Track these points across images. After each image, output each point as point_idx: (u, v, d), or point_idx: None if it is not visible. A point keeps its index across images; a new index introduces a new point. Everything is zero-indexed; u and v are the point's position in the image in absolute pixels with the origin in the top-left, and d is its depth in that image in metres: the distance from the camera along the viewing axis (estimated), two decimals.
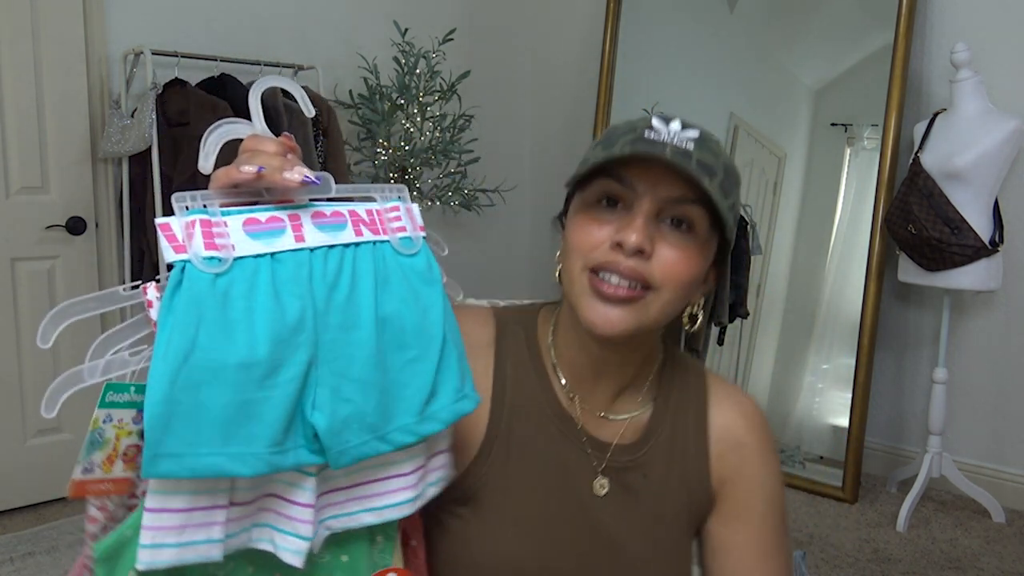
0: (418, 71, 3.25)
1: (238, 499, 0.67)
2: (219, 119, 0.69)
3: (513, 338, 0.91)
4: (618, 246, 0.76)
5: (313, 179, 0.66)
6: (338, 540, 0.72)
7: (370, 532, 0.74)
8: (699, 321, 0.85)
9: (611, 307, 0.77)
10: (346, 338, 0.68)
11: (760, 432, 0.91)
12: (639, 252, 0.75)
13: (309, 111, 0.71)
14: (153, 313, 0.66)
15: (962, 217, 2.53)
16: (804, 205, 3.23)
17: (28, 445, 2.74)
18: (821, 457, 3.10)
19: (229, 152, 0.68)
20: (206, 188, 0.68)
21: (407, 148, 3.27)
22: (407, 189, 0.75)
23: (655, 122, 0.78)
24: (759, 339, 3.31)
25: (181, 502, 0.64)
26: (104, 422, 0.72)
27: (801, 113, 3.25)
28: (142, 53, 2.71)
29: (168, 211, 0.67)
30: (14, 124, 2.63)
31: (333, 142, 3.07)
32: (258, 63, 2.97)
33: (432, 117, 3.32)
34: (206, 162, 0.66)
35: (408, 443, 0.71)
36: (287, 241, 0.67)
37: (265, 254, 0.66)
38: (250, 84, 0.76)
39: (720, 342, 3.28)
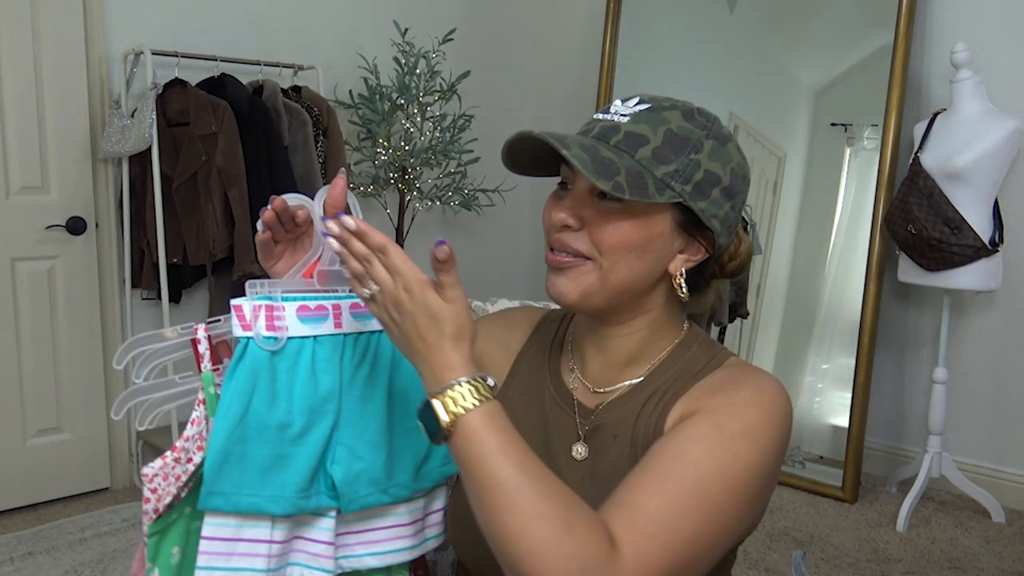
0: (418, 71, 3.24)
1: (277, 538, 0.81)
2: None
3: (551, 324, 1.02)
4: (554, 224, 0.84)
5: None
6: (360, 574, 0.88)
7: (387, 571, 0.90)
8: (684, 290, 0.87)
9: (557, 276, 0.85)
10: (364, 408, 0.85)
11: (750, 388, 0.83)
12: (566, 227, 0.83)
13: (357, 214, 0.86)
14: (201, 348, 0.86)
15: (962, 217, 2.53)
16: (804, 205, 3.23)
17: (28, 445, 2.74)
18: (821, 457, 3.10)
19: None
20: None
21: (407, 148, 3.27)
22: None
23: (615, 102, 0.87)
24: (759, 339, 3.31)
25: (228, 532, 0.80)
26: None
27: (801, 113, 3.25)
28: (142, 53, 2.71)
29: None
30: (14, 124, 2.63)
31: (333, 142, 3.07)
32: (258, 63, 2.97)
33: (432, 117, 3.32)
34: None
35: (404, 496, 0.87)
36: (328, 327, 0.85)
37: (310, 336, 0.83)
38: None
39: (720, 342, 3.28)
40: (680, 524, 0.73)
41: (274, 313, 0.81)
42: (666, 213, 0.84)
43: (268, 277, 0.87)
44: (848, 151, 3.12)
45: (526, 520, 0.69)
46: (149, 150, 2.64)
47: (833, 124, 3.16)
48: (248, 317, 0.81)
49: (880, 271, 2.90)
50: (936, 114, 2.71)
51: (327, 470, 0.83)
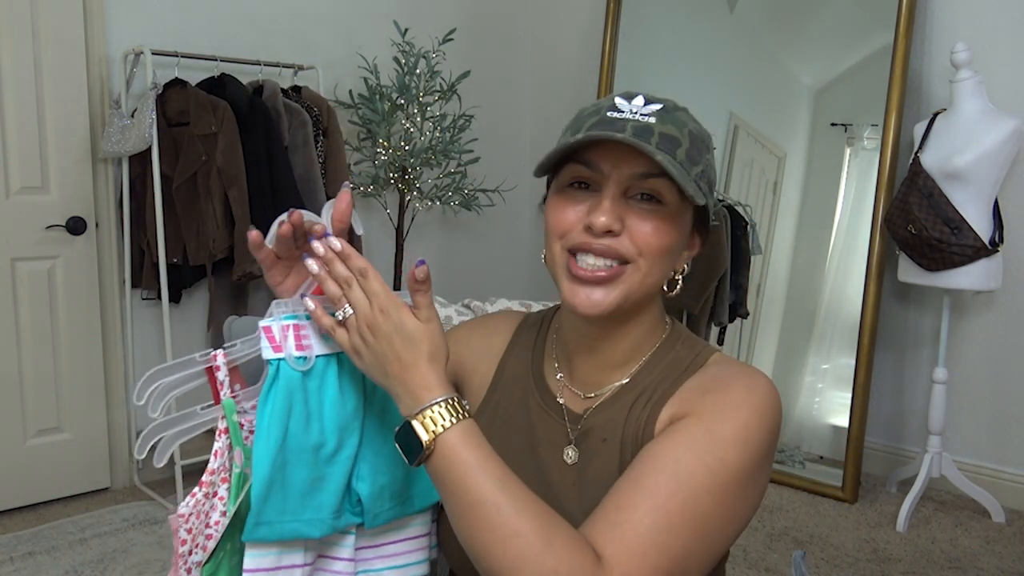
0: (418, 71, 3.24)
1: (308, 560, 0.82)
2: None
3: (530, 328, 1.00)
4: (589, 228, 0.80)
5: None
6: None
7: None
8: (678, 286, 0.87)
9: (591, 288, 0.82)
10: (382, 421, 0.84)
11: (740, 388, 0.81)
12: (608, 232, 0.80)
13: (359, 229, 0.88)
14: (220, 375, 0.83)
15: (962, 217, 2.53)
16: (804, 205, 3.23)
17: (28, 445, 2.74)
18: (821, 457, 3.10)
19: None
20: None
21: (407, 148, 3.27)
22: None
23: (618, 100, 0.83)
24: (759, 339, 3.31)
25: (269, 562, 0.80)
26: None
27: (801, 113, 3.25)
28: (142, 53, 2.71)
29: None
30: (14, 124, 2.63)
31: (333, 142, 3.07)
32: (258, 63, 2.97)
33: (432, 117, 3.32)
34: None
35: (424, 507, 0.87)
36: None
37: (333, 354, 0.82)
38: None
39: (720, 342, 3.28)
40: (670, 542, 0.72)
41: (301, 332, 0.80)
42: (689, 213, 0.84)
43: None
44: (848, 151, 3.12)
45: (505, 536, 0.69)
46: (149, 150, 2.64)
47: (833, 124, 3.16)
48: (278, 338, 0.79)
49: (880, 271, 2.90)
50: (936, 114, 2.71)
51: (352, 487, 0.82)
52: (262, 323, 0.80)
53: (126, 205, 2.81)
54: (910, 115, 2.89)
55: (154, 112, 2.62)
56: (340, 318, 0.77)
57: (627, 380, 0.88)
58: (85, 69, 2.74)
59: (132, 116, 2.72)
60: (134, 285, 2.88)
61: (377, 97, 3.22)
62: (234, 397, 0.84)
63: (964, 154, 2.52)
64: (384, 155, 3.27)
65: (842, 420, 2.97)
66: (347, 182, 0.87)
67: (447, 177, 3.46)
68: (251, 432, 0.84)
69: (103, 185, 2.84)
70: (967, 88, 2.60)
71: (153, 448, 0.86)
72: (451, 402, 0.74)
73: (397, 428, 0.75)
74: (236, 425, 0.84)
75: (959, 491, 2.83)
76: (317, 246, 0.77)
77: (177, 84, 2.75)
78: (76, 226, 2.74)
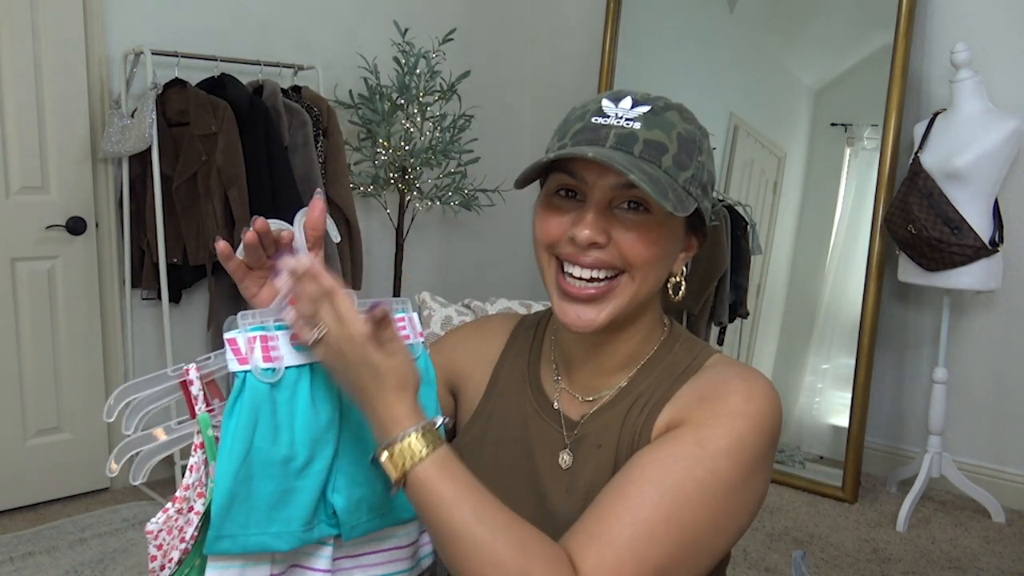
0: (418, 71, 3.24)
1: (275, 572, 0.80)
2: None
3: (526, 331, 0.98)
4: (574, 240, 0.79)
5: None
6: None
7: None
8: (682, 290, 0.86)
9: (581, 306, 0.80)
10: (360, 433, 0.81)
11: (739, 394, 0.80)
12: (594, 244, 0.78)
13: (335, 236, 0.88)
14: (194, 389, 0.81)
15: (962, 217, 2.53)
16: (804, 205, 3.23)
17: (28, 445, 2.74)
18: (821, 457, 3.10)
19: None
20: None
21: (407, 148, 3.27)
22: (410, 301, 0.88)
23: (605, 103, 0.81)
24: (759, 339, 3.31)
25: (232, 575, 0.78)
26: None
27: (801, 113, 3.25)
28: (142, 53, 2.71)
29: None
30: (14, 124, 2.63)
31: (333, 142, 3.07)
32: (258, 63, 2.97)
33: (432, 117, 3.32)
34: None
35: (404, 519, 0.85)
36: None
37: (305, 364, 0.79)
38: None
39: (720, 342, 3.28)
40: (650, 553, 0.72)
41: (268, 343, 0.78)
42: (682, 218, 0.82)
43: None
44: (848, 151, 3.12)
45: (483, 567, 0.69)
46: (149, 150, 2.64)
47: (833, 124, 3.16)
48: (244, 350, 0.77)
49: (880, 271, 2.90)
50: (936, 114, 2.71)
51: (327, 499, 0.81)
52: (227, 335, 0.78)
53: (126, 205, 2.81)
54: (910, 115, 2.89)
55: (154, 112, 2.62)
56: (315, 336, 0.75)
57: (625, 383, 0.88)
58: (85, 69, 2.74)
59: (132, 116, 2.72)
60: (134, 285, 2.88)
61: (377, 97, 3.22)
62: (210, 411, 0.82)
63: (964, 154, 2.52)
64: (384, 155, 3.27)
65: (842, 420, 2.97)
66: (319, 189, 0.85)
67: (447, 177, 3.46)
68: None
69: (103, 185, 2.84)
70: (967, 88, 2.60)
71: (130, 464, 0.84)
72: (420, 433, 0.72)
73: (373, 454, 0.74)
74: (212, 440, 0.81)
75: (959, 491, 2.83)
76: (288, 261, 0.75)
77: (177, 84, 2.75)
78: (76, 226, 2.74)
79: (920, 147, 2.69)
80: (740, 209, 3.20)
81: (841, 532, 2.66)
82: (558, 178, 0.81)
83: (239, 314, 0.79)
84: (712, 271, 3.13)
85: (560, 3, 4.01)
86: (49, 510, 2.75)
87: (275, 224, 0.81)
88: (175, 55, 2.78)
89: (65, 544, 2.47)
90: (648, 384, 0.86)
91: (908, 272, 2.74)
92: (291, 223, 0.82)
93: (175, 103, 2.75)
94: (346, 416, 0.82)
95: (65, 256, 2.76)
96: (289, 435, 0.78)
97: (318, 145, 3.01)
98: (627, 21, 3.61)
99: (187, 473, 0.81)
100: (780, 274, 3.27)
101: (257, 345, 0.77)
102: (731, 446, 0.76)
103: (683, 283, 0.86)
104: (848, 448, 2.90)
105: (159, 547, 0.80)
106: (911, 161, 2.70)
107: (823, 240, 3.16)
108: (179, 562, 0.80)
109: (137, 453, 0.82)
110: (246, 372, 0.77)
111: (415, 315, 0.87)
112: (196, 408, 0.81)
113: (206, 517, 0.78)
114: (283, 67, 3.08)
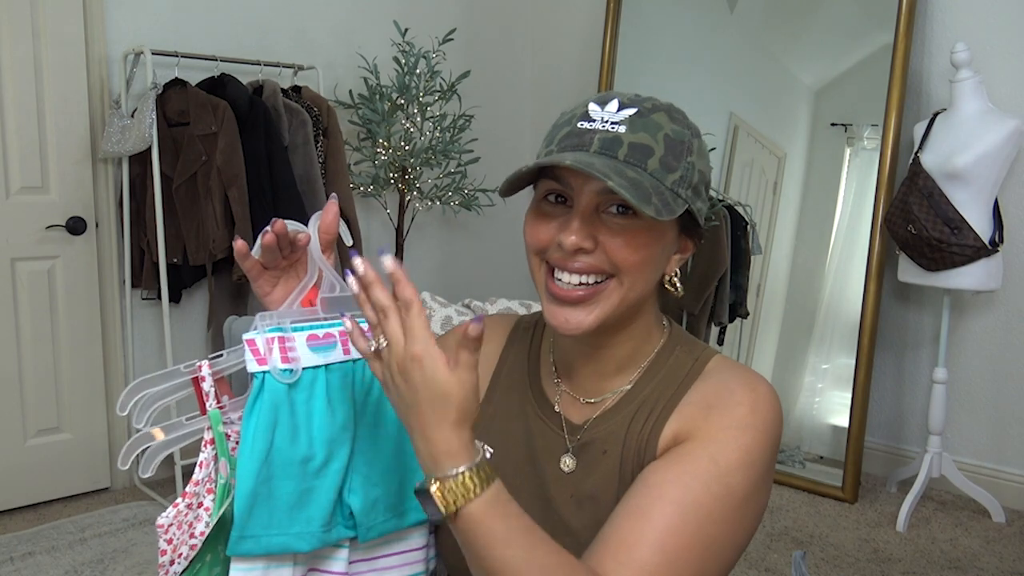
0: (418, 71, 3.25)
1: (297, 574, 0.80)
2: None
3: (524, 332, 0.98)
4: (561, 246, 0.78)
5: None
6: None
7: None
8: (678, 287, 0.86)
9: (569, 309, 0.80)
10: (375, 433, 0.83)
11: (744, 405, 0.80)
12: (580, 250, 0.78)
13: (347, 240, 0.89)
14: (206, 385, 0.82)
15: (962, 217, 2.53)
16: (804, 205, 3.23)
17: (28, 445, 2.74)
18: (821, 457, 3.10)
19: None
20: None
21: (407, 148, 3.27)
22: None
23: (591, 107, 0.80)
24: (759, 339, 3.31)
25: (257, 575, 0.78)
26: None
27: (801, 113, 3.25)
28: (142, 53, 2.71)
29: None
30: (14, 124, 2.63)
31: (333, 142, 3.07)
32: (258, 63, 2.97)
33: (432, 117, 3.32)
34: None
35: (420, 520, 0.85)
36: (337, 354, 0.83)
37: (321, 366, 0.81)
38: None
39: (720, 342, 3.28)
40: (680, 574, 0.73)
41: (286, 344, 0.79)
42: (673, 220, 0.81)
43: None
44: (848, 151, 3.12)
45: None
46: (149, 150, 2.64)
47: (833, 124, 3.16)
48: (262, 351, 0.78)
49: (880, 271, 2.90)
50: (936, 114, 2.71)
51: (344, 500, 0.81)
52: (246, 336, 0.79)
53: (126, 205, 2.81)
54: (910, 115, 2.89)
55: (154, 112, 2.62)
56: (373, 348, 0.71)
57: (629, 387, 0.87)
58: (85, 69, 2.74)
59: (132, 116, 2.72)
60: (134, 285, 2.88)
61: (377, 97, 3.22)
62: (221, 408, 0.83)
63: (964, 154, 2.52)
64: (384, 155, 3.27)
65: (842, 420, 2.97)
66: (334, 193, 0.85)
67: (447, 177, 3.46)
68: (238, 443, 0.82)
69: (103, 185, 2.84)
70: (967, 88, 2.60)
71: (139, 458, 0.84)
72: (475, 471, 0.68)
73: (417, 485, 0.71)
74: (222, 436, 0.82)
75: (959, 491, 2.82)
76: (358, 263, 0.70)
77: (177, 84, 2.75)
78: (76, 226, 2.74)
79: (920, 147, 2.69)
80: (740, 209, 3.20)
81: (841, 532, 2.66)
82: (546, 184, 0.81)
83: (258, 315, 0.81)
84: (712, 271, 3.13)
85: (560, 3, 4.01)
86: (49, 510, 2.75)
87: (291, 226, 0.81)
88: (175, 55, 2.78)
89: (65, 544, 2.47)
90: (652, 389, 0.86)
91: (908, 272, 2.74)
92: (306, 225, 0.83)
93: (175, 103, 2.75)
94: (360, 416, 0.83)
95: (65, 256, 2.76)
96: (307, 435, 0.79)
97: (318, 145, 3.01)
98: (627, 21, 3.61)
99: (197, 468, 0.82)
100: (780, 274, 3.27)
101: (275, 346, 0.79)
102: (742, 460, 0.77)
103: (678, 284, 0.86)
104: (848, 448, 2.90)
105: (169, 541, 0.81)
106: (911, 161, 2.70)
107: (823, 240, 3.16)
108: (188, 557, 0.81)
109: (147, 448, 0.83)
110: (265, 373, 0.78)
111: None
112: (208, 404, 0.82)
113: (219, 518, 0.79)
114: (283, 67, 3.08)
